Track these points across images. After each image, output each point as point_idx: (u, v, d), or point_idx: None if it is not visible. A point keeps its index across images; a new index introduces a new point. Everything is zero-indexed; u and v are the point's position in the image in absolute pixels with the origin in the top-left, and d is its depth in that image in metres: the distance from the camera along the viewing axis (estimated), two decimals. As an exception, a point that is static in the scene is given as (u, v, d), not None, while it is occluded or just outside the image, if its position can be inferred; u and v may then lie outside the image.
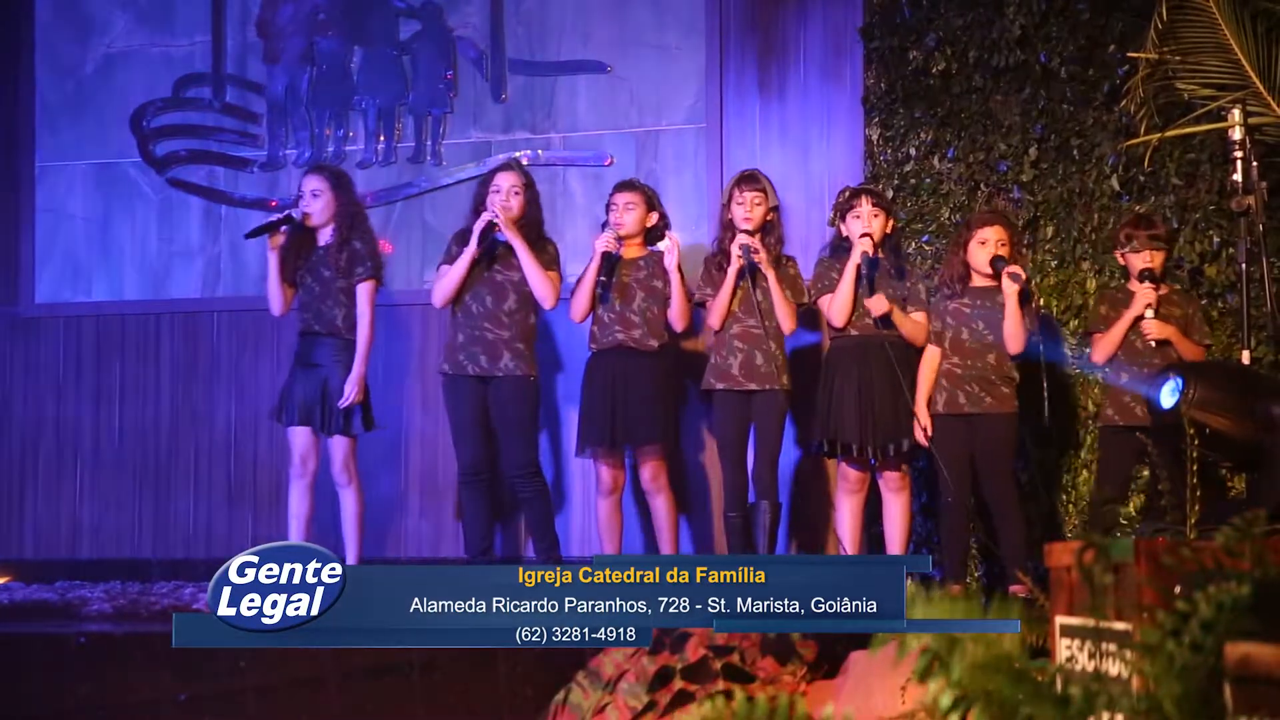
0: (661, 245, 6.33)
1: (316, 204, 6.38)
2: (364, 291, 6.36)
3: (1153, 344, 5.88)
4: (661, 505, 6.33)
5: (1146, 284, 5.88)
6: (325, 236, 6.42)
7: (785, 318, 6.17)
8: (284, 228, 6.35)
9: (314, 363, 6.35)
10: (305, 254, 6.41)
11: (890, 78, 6.79)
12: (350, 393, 6.28)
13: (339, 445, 6.33)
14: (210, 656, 4.94)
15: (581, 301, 6.32)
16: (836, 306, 6.09)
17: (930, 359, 6.06)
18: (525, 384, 6.29)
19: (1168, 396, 4.94)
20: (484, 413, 6.32)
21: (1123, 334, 5.92)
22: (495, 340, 6.26)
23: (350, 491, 6.37)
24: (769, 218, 6.27)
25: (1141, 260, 5.94)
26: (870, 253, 6.01)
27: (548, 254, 6.35)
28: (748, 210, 6.21)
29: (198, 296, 7.63)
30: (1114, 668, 2.73)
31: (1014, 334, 5.89)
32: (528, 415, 6.33)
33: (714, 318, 6.21)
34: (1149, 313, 5.86)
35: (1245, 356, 5.52)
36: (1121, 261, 6.08)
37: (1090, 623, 2.84)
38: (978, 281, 6.04)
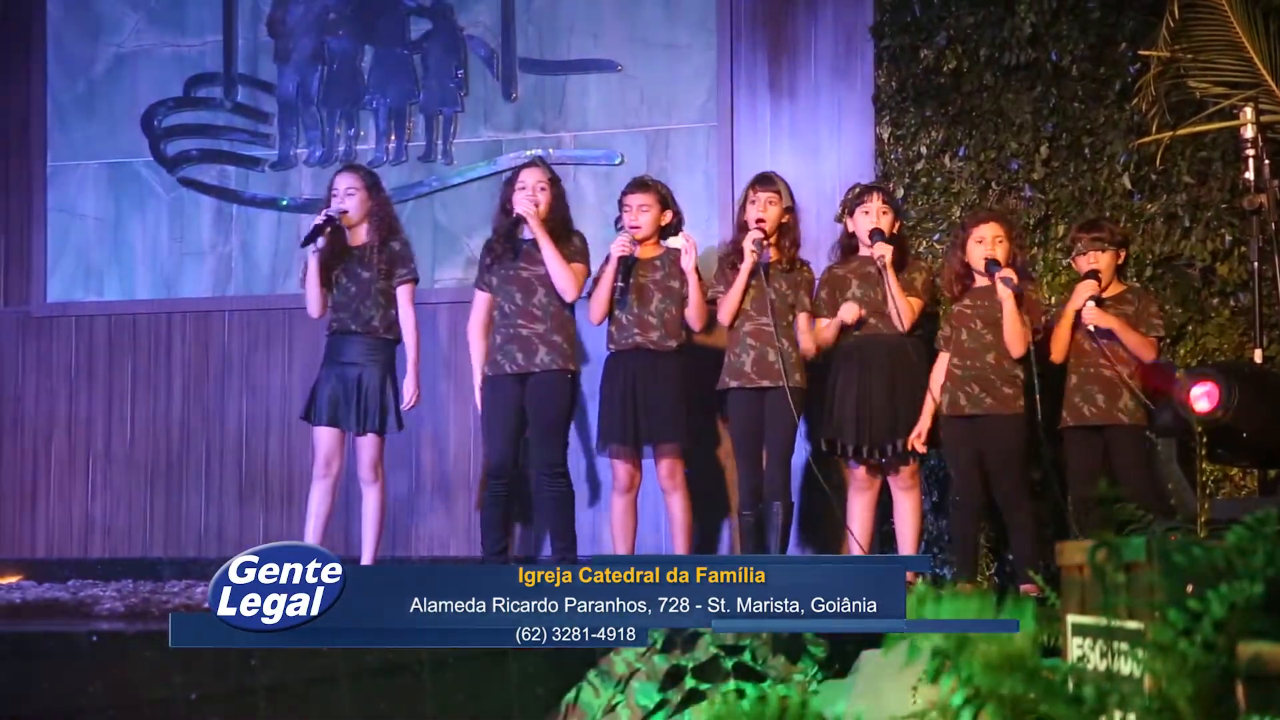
0: (676, 243, 6.32)
1: (352, 202, 6.36)
2: (406, 293, 6.37)
3: (1093, 333, 5.83)
4: (677, 503, 6.33)
5: (1087, 281, 5.86)
6: (359, 236, 6.40)
7: (806, 340, 6.24)
8: (327, 229, 6.34)
9: (347, 361, 6.32)
10: (338, 254, 6.39)
11: (901, 76, 6.79)
12: (410, 394, 6.32)
13: (369, 444, 6.32)
14: (221, 655, 4.95)
15: (599, 305, 6.31)
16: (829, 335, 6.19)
17: (939, 365, 6.06)
18: (562, 380, 6.25)
19: (1202, 401, 4.89)
20: (519, 413, 6.30)
21: (1067, 331, 5.89)
22: (530, 336, 6.25)
23: (375, 490, 6.37)
24: (784, 219, 6.26)
25: (1087, 262, 5.92)
26: (886, 258, 5.99)
27: (573, 245, 6.33)
28: (761, 210, 6.21)
29: (209, 296, 7.64)
30: (1126, 667, 2.72)
31: (1013, 337, 5.87)
32: (562, 413, 6.29)
33: (724, 313, 6.22)
34: (1089, 304, 5.83)
35: (1258, 355, 5.51)
36: (1075, 266, 6.06)
37: (1102, 622, 2.84)
38: (979, 281, 6.03)
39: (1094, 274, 5.88)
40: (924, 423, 5.99)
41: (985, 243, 5.96)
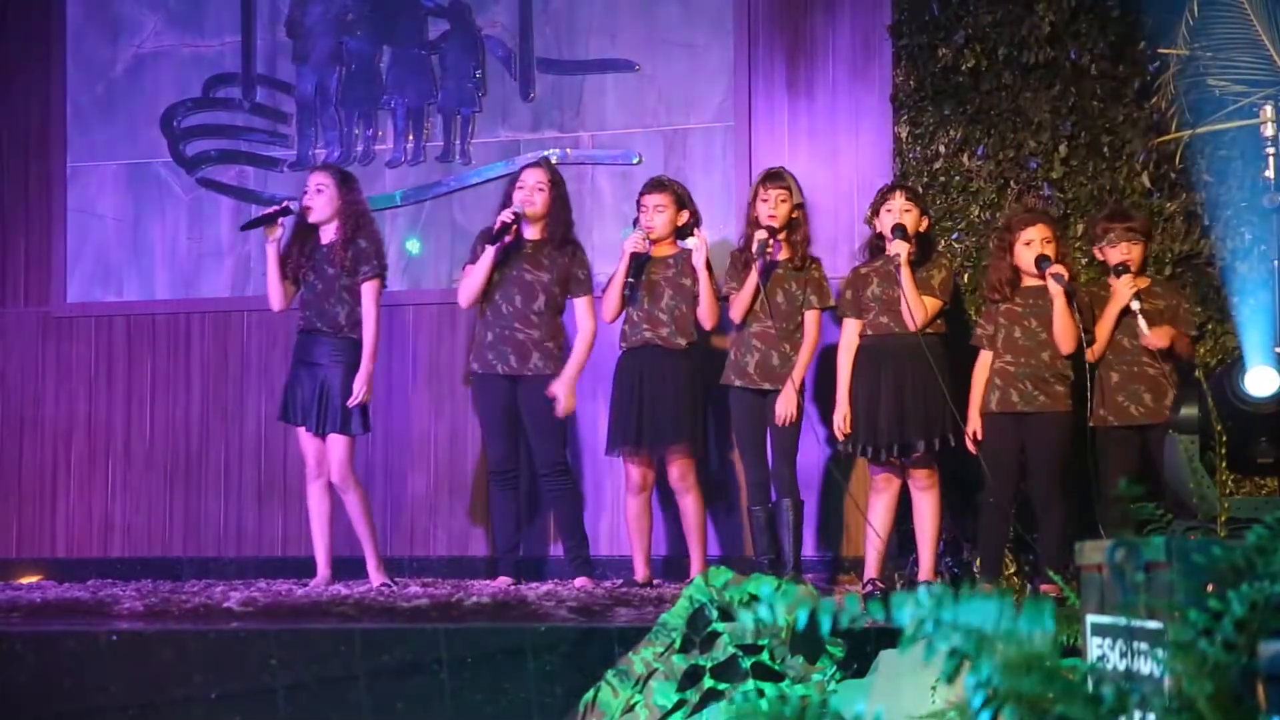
0: (689, 243, 6.33)
1: (320, 199, 6.36)
2: (369, 290, 6.32)
3: (1141, 340, 5.83)
4: (690, 504, 6.33)
5: (1125, 276, 5.86)
6: (328, 234, 6.39)
7: (811, 325, 6.25)
8: (282, 220, 6.35)
9: (313, 361, 6.32)
10: (308, 251, 6.39)
11: (919, 75, 6.77)
12: (359, 391, 6.25)
13: (336, 446, 6.27)
14: (241, 656, 4.96)
15: (612, 302, 6.33)
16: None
17: (982, 363, 6.07)
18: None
19: (1261, 386, 4.83)
20: (514, 410, 6.33)
21: (1109, 330, 5.90)
22: (525, 340, 6.27)
23: (352, 495, 6.31)
24: (794, 215, 6.28)
25: (1119, 254, 5.92)
26: (901, 255, 5.99)
27: (580, 263, 6.39)
28: (772, 207, 6.23)
29: (228, 296, 7.66)
30: (1146, 666, 2.71)
31: (1064, 334, 5.88)
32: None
33: (735, 311, 6.26)
34: (1142, 321, 5.81)
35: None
36: (1099, 256, 6.06)
37: (1122, 621, 2.83)
38: (1028, 282, 6.03)
39: (1124, 268, 5.87)
40: (975, 421, 5.99)
41: (1034, 244, 5.96)
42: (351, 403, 6.25)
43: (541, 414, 6.29)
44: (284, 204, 6.37)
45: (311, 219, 6.38)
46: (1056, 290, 5.86)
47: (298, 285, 6.43)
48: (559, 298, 6.34)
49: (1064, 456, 5.94)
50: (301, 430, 6.35)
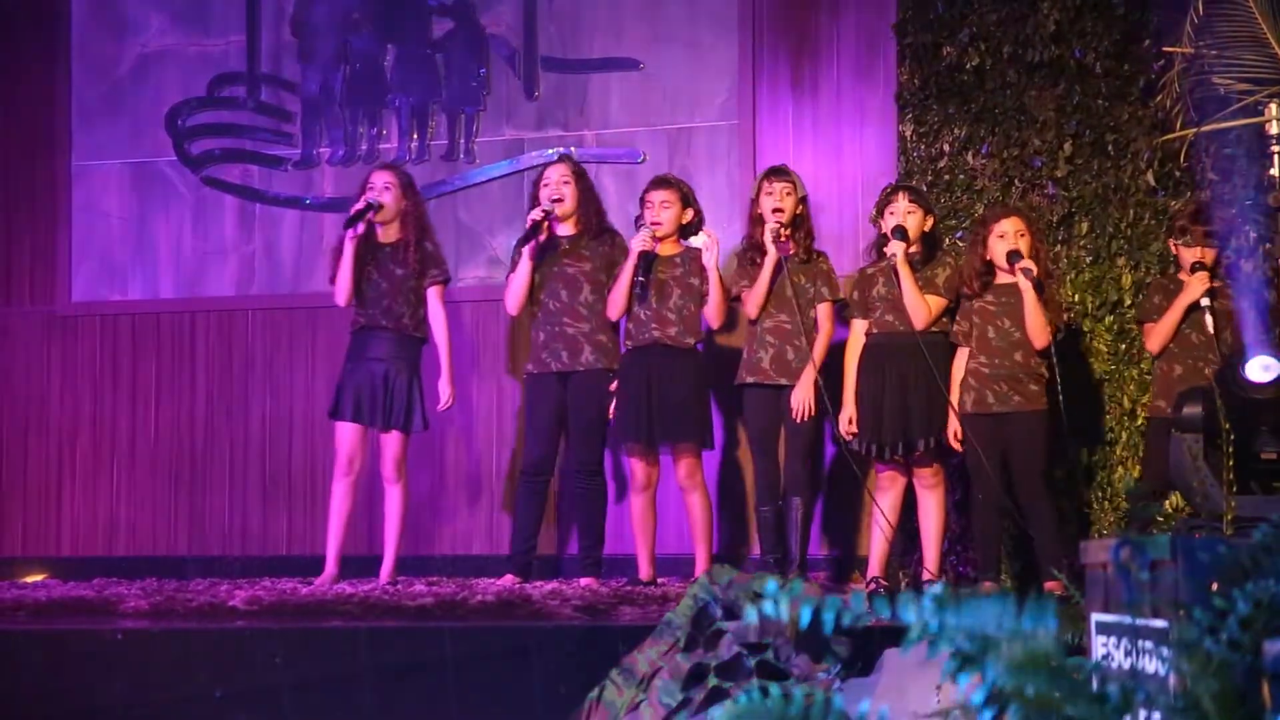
0: (698, 242, 6.34)
1: (388, 196, 6.39)
2: (437, 293, 6.40)
3: (1207, 336, 5.83)
4: (697, 503, 6.33)
5: (1201, 273, 5.86)
6: (389, 234, 6.42)
7: (824, 319, 6.23)
8: (369, 215, 6.37)
9: (374, 357, 6.33)
10: (370, 249, 6.41)
11: (924, 74, 6.77)
12: (446, 395, 6.33)
13: (393, 441, 6.33)
14: (245, 654, 4.96)
15: (618, 300, 6.33)
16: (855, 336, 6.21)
17: (959, 361, 6.05)
18: (604, 378, 6.31)
19: (1261, 373, 4.82)
20: (560, 412, 6.33)
21: (1175, 322, 5.90)
22: (575, 334, 6.29)
23: (398, 489, 6.37)
24: (799, 210, 6.28)
25: (1194, 255, 5.91)
26: (898, 255, 5.98)
27: (614, 245, 6.40)
28: (778, 200, 6.22)
29: (233, 295, 7.66)
30: (1151, 665, 2.71)
31: (1036, 329, 5.87)
32: (603, 412, 6.33)
33: (751, 307, 6.23)
34: (1209, 319, 5.80)
35: (1281, 352, 5.47)
36: (1174, 251, 6.05)
37: (1127, 620, 2.83)
38: (1001, 278, 6.02)
39: (1201, 266, 5.87)
40: (954, 421, 5.99)
41: (1007, 237, 5.96)
42: (442, 407, 6.37)
43: (588, 412, 6.30)
44: (367, 201, 6.37)
45: (383, 217, 6.39)
46: (1025, 285, 5.86)
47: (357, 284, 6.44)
48: (605, 287, 6.34)
49: (1045, 454, 5.94)
50: (342, 426, 6.36)
